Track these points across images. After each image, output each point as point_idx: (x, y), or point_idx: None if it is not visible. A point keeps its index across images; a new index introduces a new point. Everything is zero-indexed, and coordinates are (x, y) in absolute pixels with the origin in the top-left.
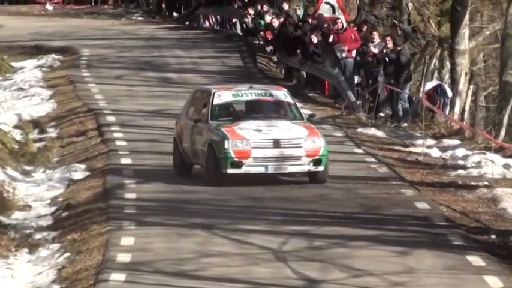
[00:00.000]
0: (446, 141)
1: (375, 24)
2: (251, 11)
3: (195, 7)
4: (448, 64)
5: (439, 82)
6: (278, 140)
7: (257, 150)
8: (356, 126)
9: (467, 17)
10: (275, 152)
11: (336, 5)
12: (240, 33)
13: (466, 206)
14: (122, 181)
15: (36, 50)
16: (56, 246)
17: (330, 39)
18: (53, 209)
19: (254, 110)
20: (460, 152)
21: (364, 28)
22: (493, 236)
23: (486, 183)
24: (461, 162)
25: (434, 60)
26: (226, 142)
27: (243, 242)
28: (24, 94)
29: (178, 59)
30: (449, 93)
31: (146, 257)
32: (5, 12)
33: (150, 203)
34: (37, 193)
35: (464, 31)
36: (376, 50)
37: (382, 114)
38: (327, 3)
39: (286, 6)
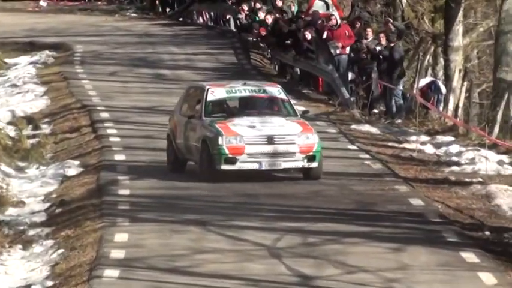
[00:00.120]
0: (440, 138)
1: (369, 21)
2: (245, 7)
3: (188, 3)
4: (441, 61)
5: (432, 79)
6: (272, 137)
7: (251, 146)
8: (350, 123)
9: (461, 14)
10: (269, 148)
11: (329, 2)
12: (234, 30)
13: (460, 202)
14: (115, 177)
15: (30, 47)
16: (50, 242)
17: (324, 36)
18: (47, 205)
19: (248, 107)
20: (454, 148)
21: (358, 25)
22: (487, 233)
23: (480, 179)
24: (455, 158)
25: (428, 56)
26: (220, 138)
27: (237, 239)
28: (18, 90)
29: (172, 56)
30: (443, 89)
31: (140, 253)
32: None
33: (144, 199)
34: (31, 189)
35: (458, 28)
36: (371, 46)
37: (376, 111)
38: None
39: (279, 3)
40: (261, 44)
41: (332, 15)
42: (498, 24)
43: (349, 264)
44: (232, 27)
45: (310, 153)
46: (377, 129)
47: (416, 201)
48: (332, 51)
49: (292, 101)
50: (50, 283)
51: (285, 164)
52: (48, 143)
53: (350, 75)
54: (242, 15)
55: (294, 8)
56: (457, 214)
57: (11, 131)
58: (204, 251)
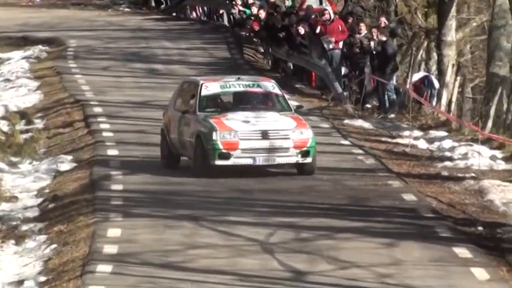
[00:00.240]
0: (433, 133)
1: (362, 16)
2: (238, 2)
3: None
4: (435, 55)
5: (426, 73)
6: (266, 132)
7: (245, 141)
8: (343, 118)
9: (454, 9)
10: (263, 144)
11: None
12: (227, 25)
13: (452, 197)
14: (108, 172)
15: (23, 41)
16: (43, 237)
17: (317, 31)
18: (40, 200)
19: (242, 101)
20: (447, 143)
21: (350, 20)
22: (480, 228)
23: (473, 174)
24: (448, 153)
25: (421, 51)
26: (214, 133)
27: (230, 234)
28: (11, 85)
29: (165, 50)
30: (436, 84)
31: (133, 248)
32: None
33: (137, 194)
34: (24, 184)
35: (451, 22)
36: (364, 41)
37: (369, 106)
38: None
39: None
40: (254, 39)
41: (325, 9)
42: (491, 19)
43: (342, 259)
44: (226, 22)
45: (304, 149)
46: (370, 124)
47: (409, 197)
48: (325, 46)
49: (286, 96)
50: (43, 278)
51: (279, 160)
52: (41, 137)
53: (343, 70)
54: (235, 10)
55: (288, 3)
56: (450, 209)
57: (4, 126)
58: (197, 246)
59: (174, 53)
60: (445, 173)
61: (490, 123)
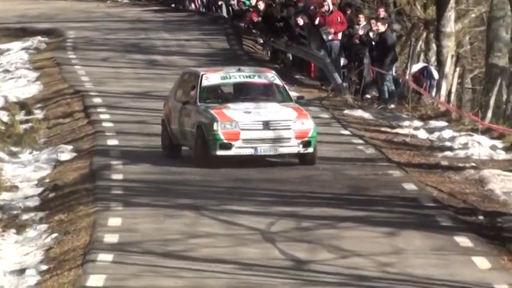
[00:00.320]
0: (433, 123)
1: (361, 7)
2: None
3: None
4: (434, 46)
5: (425, 64)
6: (267, 122)
7: (246, 132)
8: (343, 108)
9: (453, 0)
10: (264, 134)
11: None
12: (226, 16)
13: (453, 187)
14: (108, 162)
15: (22, 32)
16: (44, 226)
17: (316, 22)
18: (40, 189)
19: (243, 92)
20: (447, 133)
21: (349, 11)
22: (481, 217)
23: (473, 164)
24: (448, 143)
25: (420, 42)
26: (215, 124)
27: (231, 223)
28: (11, 76)
29: (164, 42)
30: (436, 75)
31: (133, 237)
32: None
33: (137, 184)
34: (24, 174)
35: (450, 13)
36: (361, 31)
37: (368, 96)
38: None
39: None
40: (253, 30)
41: (324, 0)
42: (490, 10)
43: (343, 248)
44: (224, 13)
45: (306, 139)
46: (370, 115)
47: (409, 186)
48: (324, 37)
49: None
50: (44, 267)
51: (280, 150)
52: (41, 128)
53: (342, 61)
54: (234, 1)
55: None
56: (451, 199)
57: (4, 116)
58: (198, 236)
59: (173, 44)
60: (445, 163)
61: (489, 114)
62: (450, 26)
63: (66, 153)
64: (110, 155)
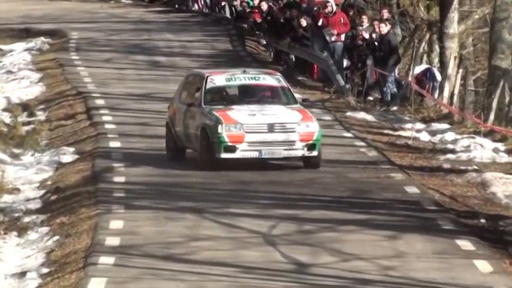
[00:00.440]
0: (436, 125)
1: (364, 8)
2: None
3: None
4: (437, 48)
5: (428, 66)
6: (272, 125)
7: (251, 134)
8: (345, 110)
9: (456, 1)
10: (269, 137)
11: None
12: (229, 17)
13: (455, 190)
14: (110, 164)
15: (25, 33)
16: (45, 229)
17: (319, 23)
18: (42, 192)
19: (247, 94)
20: (449, 136)
21: (351, 12)
22: (483, 221)
23: (475, 167)
24: (450, 146)
25: (423, 44)
26: (219, 126)
27: (233, 226)
28: (13, 77)
29: (167, 43)
30: (438, 77)
31: (135, 240)
32: None
33: (139, 186)
34: (26, 176)
35: (453, 15)
36: (366, 35)
37: (371, 98)
38: None
39: None
40: (256, 31)
41: (328, 2)
42: (493, 12)
43: (344, 251)
44: (227, 14)
45: (311, 142)
46: (372, 117)
47: (411, 189)
48: (327, 38)
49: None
50: (45, 270)
51: (285, 153)
52: (43, 129)
53: (345, 63)
54: (237, 2)
55: None
56: (453, 202)
57: (6, 118)
58: (200, 239)
59: (176, 45)
60: (447, 166)
61: (492, 116)
62: (453, 27)
63: (68, 155)
64: (112, 157)
